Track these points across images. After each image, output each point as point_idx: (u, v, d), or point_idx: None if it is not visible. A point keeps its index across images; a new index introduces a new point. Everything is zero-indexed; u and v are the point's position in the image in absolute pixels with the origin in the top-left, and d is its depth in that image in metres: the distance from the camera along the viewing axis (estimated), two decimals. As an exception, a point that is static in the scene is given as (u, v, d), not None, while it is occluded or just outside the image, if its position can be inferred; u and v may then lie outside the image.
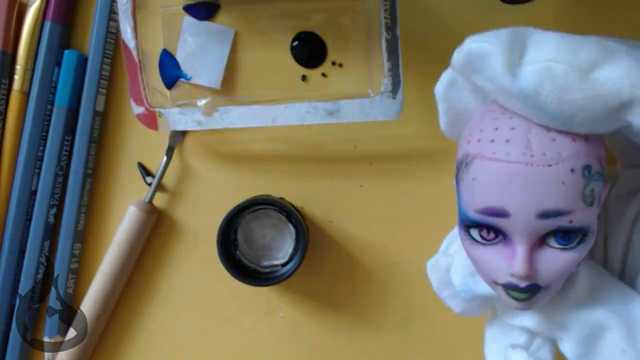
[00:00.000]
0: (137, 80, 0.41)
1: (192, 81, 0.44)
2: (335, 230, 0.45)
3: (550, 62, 0.26)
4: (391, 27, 0.40)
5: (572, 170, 0.27)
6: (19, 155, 0.44)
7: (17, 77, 0.43)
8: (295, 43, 0.44)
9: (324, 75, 0.44)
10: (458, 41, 0.44)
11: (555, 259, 0.29)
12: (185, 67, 0.44)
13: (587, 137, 0.28)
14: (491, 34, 0.28)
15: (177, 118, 0.41)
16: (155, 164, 0.45)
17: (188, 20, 0.43)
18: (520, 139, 0.28)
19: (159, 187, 0.45)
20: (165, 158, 0.44)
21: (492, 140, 0.28)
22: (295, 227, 0.42)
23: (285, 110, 0.40)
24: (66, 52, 0.44)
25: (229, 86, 0.44)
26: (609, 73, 0.26)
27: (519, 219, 0.28)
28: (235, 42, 0.44)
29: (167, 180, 0.45)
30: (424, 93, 0.44)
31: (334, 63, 0.44)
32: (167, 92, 0.44)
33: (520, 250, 0.29)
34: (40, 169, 0.44)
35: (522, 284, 0.29)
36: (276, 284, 0.41)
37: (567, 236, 0.29)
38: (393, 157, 0.44)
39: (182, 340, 0.46)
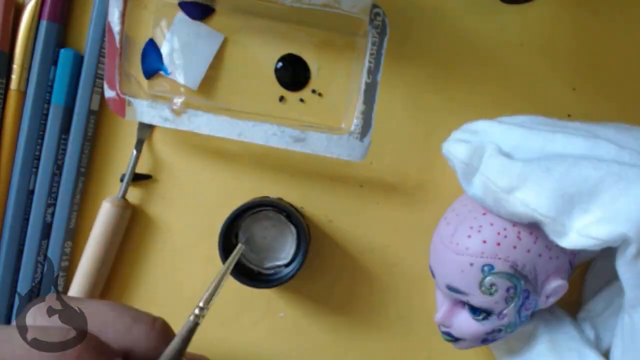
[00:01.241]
0: (114, 65, 0.41)
1: (171, 77, 0.43)
2: (335, 230, 0.45)
3: (489, 179, 0.33)
4: (373, 72, 0.40)
5: (471, 265, 0.35)
6: (17, 154, 0.44)
7: (14, 76, 0.43)
8: (280, 64, 0.44)
9: (302, 100, 0.44)
10: (458, 41, 0.44)
11: (466, 322, 0.37)
12: (167, 61, 0.43)
13: (498, 243, 0.35)
14: (456, 147, 0.34)
15: (145, 110, 0.41)
16: (150, 164, 0.45)
17: (181, 16, 0.43)
18: (453, 227, 0.37)
19: (155, 190, 0.45)
20: (134, 152, 0.44)
21: (445, 218, 0.38)
22: (296, 226, 0.42)
23: (253, 128, 0.40)
24: (62, 50, 0.43)
25: (206, 89, 0.44)
26: (521, 196, 0.32)
27: (439, 281, 0.38)
28: (222, 48, 0.44)
29: (164, 182, 0.45)
30: (423, 92, 0.44)
31: (314, 91, 0.44)
32: (144, 82, 0.44)
33: (440, 303, 0.38)
34: (37, 167, 0.44)
35: (441, 329, 0.38)
36: (281, 285, 0.41)
37: (473, 309, 0.36)
38: (393, 157, 0.45)
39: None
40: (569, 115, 0.44)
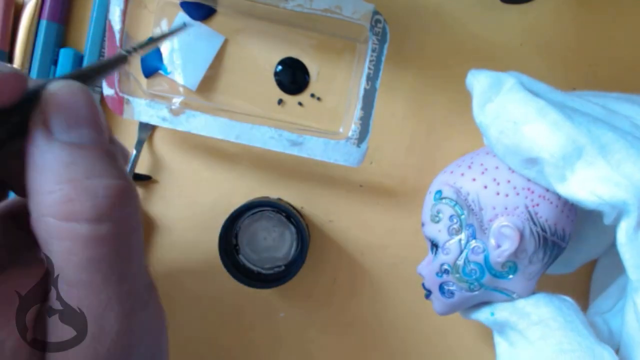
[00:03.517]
0: None
1: (170, 77, 0.43)
2: (335, 230, 0.45)
3: (503, 108, 0.33)
4: (372, 78, 0.40)
5: (429, 193, 0.37)
6: (16, 154, 0.44)
7: (14, 76, 0.43)
8: (280, 67, 0.44)
9: (300, 104, 0.44)
10: (458, 41, 0.44)
11: (427, 263, 0.37)
12: (167, 61, 0.43)
13: (452, 171, 0.36)
14: (482, 74, 0.34)
15: (143, 109, 0.41)
16: (150, 164, 0.45)
17: (182, 16, 0.43)
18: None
19: (155, 190, 0.45)
20: (134, 152, 0.44)
21: None
22: (296, 226, 0.42)
23: (250, 130, 0.40)
24: (62, 50, 0.43)
25: (205, 90, 0.44)
26: (531, 131, 0.32)
27: None
28: (222, 49, 0.44)
29: (164, 182, 0.45)
30: (423, 93, 0.44)
31: (312, 95, 0.44)
32: (144, 81, 0.44)
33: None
34: (37, 167, 0.44)
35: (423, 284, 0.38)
36: (281, 285, 0.41)
37: (431, 246, 0.37)
38: (393, 157, 0.45)
39: (181, 341, 0.46)
40: (569, 116, 0.44)
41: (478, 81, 0.34)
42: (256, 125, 0.40)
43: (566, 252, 0.37)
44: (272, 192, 0.45)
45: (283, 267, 0.43)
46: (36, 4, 0.43)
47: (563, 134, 0.31)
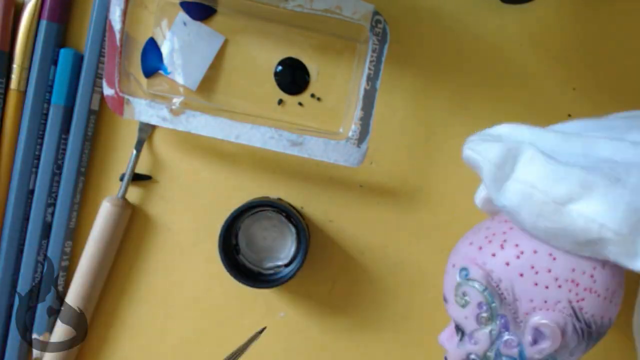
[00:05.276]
0: (114, 63, 0.41)
1: (171, 77, 0.43)
2: (335, 230, 0.45)
3: (533, 188, 0.28)
4: (372, 79, 0.40)
5: (453, 266, 0.33)
6: (17, 154, 0.44)
7: (14, 76, 0.43)
8: (280, 67, 0.44)
9: (300, 104, 0.44)
10: (458, 42, 0.44)
11: (452, 342, 0.34)
12: (167, 61, 0.43)
13: (481, 247, 0.31)
14: (485, 146, 0.29)
15: (143, 109, 0.41)
16: (150, 164, 0.45)
17: (182, 16, 0.43)
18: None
19: (155, 190, 0.45)
20: (134, 152, 0.44)
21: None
22: (296, 226, 0.42)
23: (250, 130, 0.40)
24: (62, 50, 0.43)
25: (205, 90, 0.44)
26: (582, 209, 0.27)
27: None
28: (222, 49, 0.44)
29: (164, 182, 0.45)
30: (424, 93, 0.44)
31: (313, 95, 0.44)
32: (144, 81, 0.44)
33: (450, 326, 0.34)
34: (37, 167, 0.44)
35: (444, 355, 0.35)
36: (281, 285, 0.41)
37: (456, 326, 0.33)
38: (393, 157, 0.45)
39: (180, 341, 0.46)
40: (569, 115, 0.44)
41: (484, 157, 0.29)
42: (256, 125, 0.40)
43: None
44: (272, 192, 0.45)
45: (283, 267, 0.43)
46: (36, 4, 0.43)
47: (621, 204, 0.26)
